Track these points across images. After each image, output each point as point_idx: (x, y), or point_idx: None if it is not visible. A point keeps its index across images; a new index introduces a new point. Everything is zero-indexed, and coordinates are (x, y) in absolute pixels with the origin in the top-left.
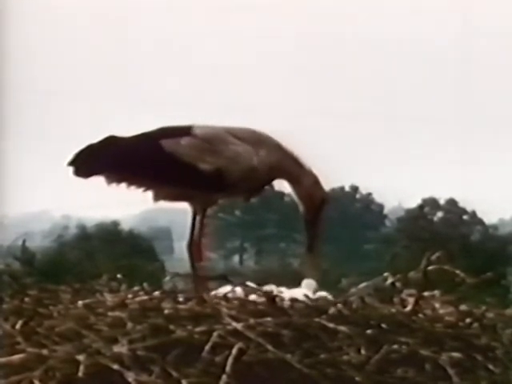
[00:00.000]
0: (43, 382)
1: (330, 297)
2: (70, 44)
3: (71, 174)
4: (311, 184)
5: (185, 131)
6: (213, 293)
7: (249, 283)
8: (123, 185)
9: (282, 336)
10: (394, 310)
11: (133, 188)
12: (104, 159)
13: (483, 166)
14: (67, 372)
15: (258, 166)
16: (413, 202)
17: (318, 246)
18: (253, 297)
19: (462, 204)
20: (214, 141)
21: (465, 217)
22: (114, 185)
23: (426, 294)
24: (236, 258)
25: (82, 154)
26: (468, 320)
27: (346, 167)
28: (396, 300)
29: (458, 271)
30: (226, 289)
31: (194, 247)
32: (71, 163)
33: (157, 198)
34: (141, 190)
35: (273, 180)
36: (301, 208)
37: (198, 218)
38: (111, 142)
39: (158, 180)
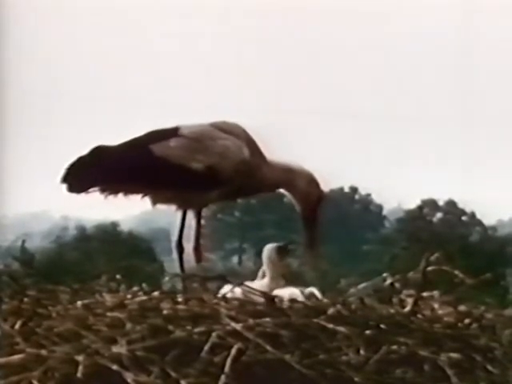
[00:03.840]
0: (42, 382)
1: (318, 293)
2: (69, 45)
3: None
4: (305, 184)
5: (172, 133)
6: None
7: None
8: (120, 195)
9: (281, 336)
10: (392, 311)
11: (130, 196)
12: (96, 172)
13: (482, 168)
14: (66, 372)
15: (249, 158)
16: (412, 203)
17: (317, 244)
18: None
19: (461, 205)
20: (202, 138)
21: (464, 218)
22: (111, 197)
23: (425, 294)
24: (235, 259)
25: (73, 169)
26: (467, 320)
27: (346, 168)
28: (395, 300)
29: (456, 272)
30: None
31: (194, 248)
32: (64, 180)
33: (155, 202)
34: (138, 196)
35: (270, 190)
36: (297, 208)
37: (194, 219)
38: (100, 154)
39: (153, 185)
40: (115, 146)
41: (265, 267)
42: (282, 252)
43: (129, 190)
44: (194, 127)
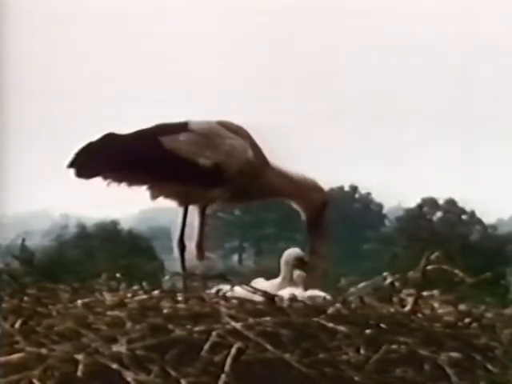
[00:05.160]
0: (42, 381)
1: (322, 294)
2: (69, 44)
3: (72, 175)
4: (309, 193)
5: (182, 127)
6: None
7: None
8: (124, 184)
9: (281, 335)
10: (393, 310)
11: (133, 187)
12: (105, 159)
13: (482, 166)
14: (66, 371)
15: (253, 159)
16: (412, 202)
17: (322, 248)
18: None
19: (461, 204)
20: (210, 135)
21: (464, 217)
22: (114, 185)
23: (425, 293)
24: (235, 258)
25: (82, 154)
26: (467, 320)
27: (346, 167)
28: (395, 300)
29: (456, 271)
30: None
31: (197, 246)
32: (72, 164)
33: (156, 195)
34: (141, 189)
35: (272, 196)
36: (303, 216)
37: (198, 216)
38: (110, 141)
39: (159, 177)
40: (126, 134)
41: (281, 268)
42: (299, 262)
43: (134, 180)
44: (203, 123)
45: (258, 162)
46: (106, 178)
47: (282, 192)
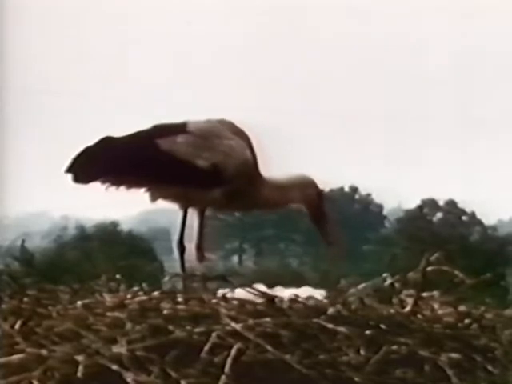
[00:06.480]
0: (42, 382)
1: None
2: (69, 44)
3: (70, 181)
4: (304, 190)
5: (180, 128)
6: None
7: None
8: (122, 188)
9: (281, 336)
10: (393, 311)
11: (132, 190)
12: (102, 163)
13: (483, 167)
14: (66, 372)
15: (251, 160)
16: (412, 203)
17: (335, 238)
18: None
19: (461, 205)
20: (208, 136)
21: (464, 218)
22: (113, 189)
23: (425, 294)
24: (235, 259)
25: (80, 159)
26: (467, 321)
27: (346, 168)
28: (395, 301)
29: (457, 272)
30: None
31: (197, 247)
32: (69, 170)
33: (155, 197)
34: (140, 190)
35: (270, 208)
36: (305, 211)
37: (197, 218)
38: (108, 144)
39: (157, 180)
40: (122, 137)
41: None
42: None
43: (132, 183)
44: (202, 124)
45: (255, 165)
46: (103, 182)
47: (279, 202)
